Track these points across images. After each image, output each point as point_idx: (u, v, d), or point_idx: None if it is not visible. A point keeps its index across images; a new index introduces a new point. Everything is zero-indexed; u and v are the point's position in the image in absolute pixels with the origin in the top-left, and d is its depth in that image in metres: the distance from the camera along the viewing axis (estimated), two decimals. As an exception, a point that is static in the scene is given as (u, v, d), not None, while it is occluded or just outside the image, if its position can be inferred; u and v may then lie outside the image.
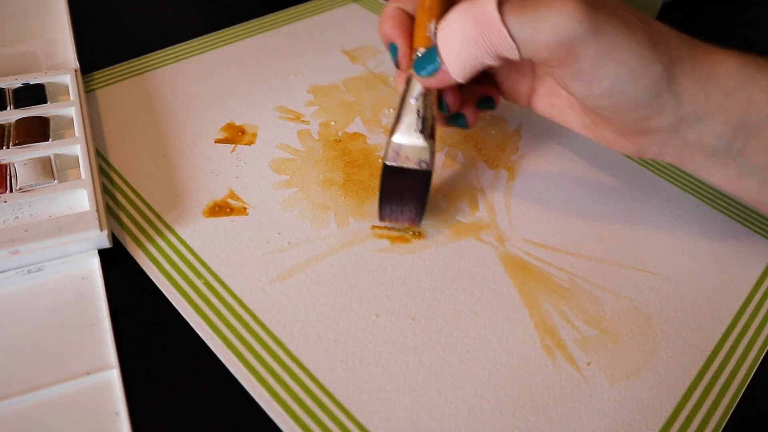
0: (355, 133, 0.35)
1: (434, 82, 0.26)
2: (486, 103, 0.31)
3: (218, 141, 0.33)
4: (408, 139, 0.26)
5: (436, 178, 0.32)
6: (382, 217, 0.29)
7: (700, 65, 0.24)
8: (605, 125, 0.27)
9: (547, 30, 0.23)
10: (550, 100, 0.30)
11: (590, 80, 0.24)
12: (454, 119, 0.30)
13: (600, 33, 0.23)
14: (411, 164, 0.26)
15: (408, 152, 0.26)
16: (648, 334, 0.26)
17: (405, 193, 0.27)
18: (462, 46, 0.24)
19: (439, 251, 0.28)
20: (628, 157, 0.35)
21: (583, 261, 0.29)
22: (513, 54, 0.24)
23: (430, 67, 0.26)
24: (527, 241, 0.29)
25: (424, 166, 0.26)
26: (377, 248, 0.28)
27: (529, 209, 0.31)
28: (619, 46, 0.23)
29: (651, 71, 0.23)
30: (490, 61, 0.25)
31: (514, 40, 0.23)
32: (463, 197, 0.31)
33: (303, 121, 0.35)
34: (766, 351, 0.26)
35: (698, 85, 0.24)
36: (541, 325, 0.26)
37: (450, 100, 0.29)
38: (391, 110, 0.37)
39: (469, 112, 0.30)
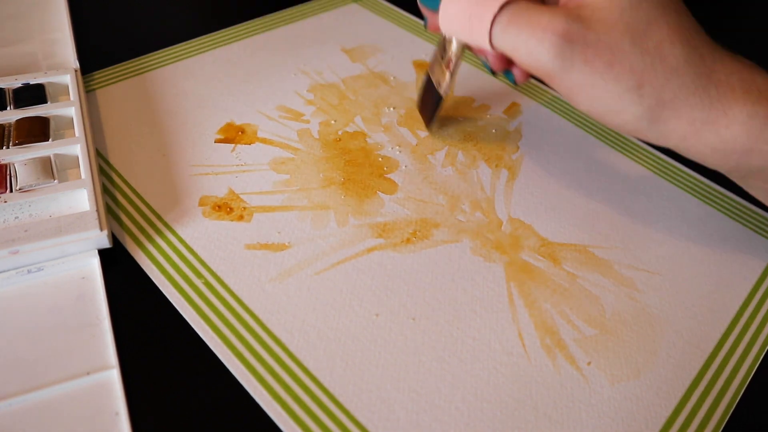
0: (355, 132, 0.35)
1: (430, 22, 0.29)
2: (509, 74, 0.31)
3: (218, 141, 0.33)
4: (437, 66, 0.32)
5: (437, 176, 0.32)
6: (419, 108, 0.36)
7: (702, 109, 0.23)
8: None
9: (524, 53, 0.24)
10: None
11: (570, 99, 0.25)
12: (504, 74, 0.31)
13: (572, 70, 0.23)
14: (434, 78, 0.33)
15: (436, 69, 0.32)
16: (648, 334, 0.26)
17: (426, 96, 0.35)
18: (453, 20, 0.26)
19: (439, 251, 0.28)
20: (628, 156, 0.35)
21: (583, 260, 0.29)
22: (490, 56, 0.27)
23: (431, 4, 0.28)
24: (527, 242, 0.29)
25: (440, 88, 0.32)
26: (377, 248, 0.28)
27: (529, 209, 0.31)
28: (594, 84, 0.23)
29: (629, 111, 0.24)
30: (472, 45, 0.27)
31: (493, 48, 0.25)
32: (463, 196, 0.31)
33: (303, 120, 0.35)
34: (766, 351, 0.26)
35: (689, 130, 0.24)
36: (541, 325, 0.26)
37: (491, 61, 0.29)
38: (392, 109, 0.37)
39: (516, 72, 0.30)
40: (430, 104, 0.34)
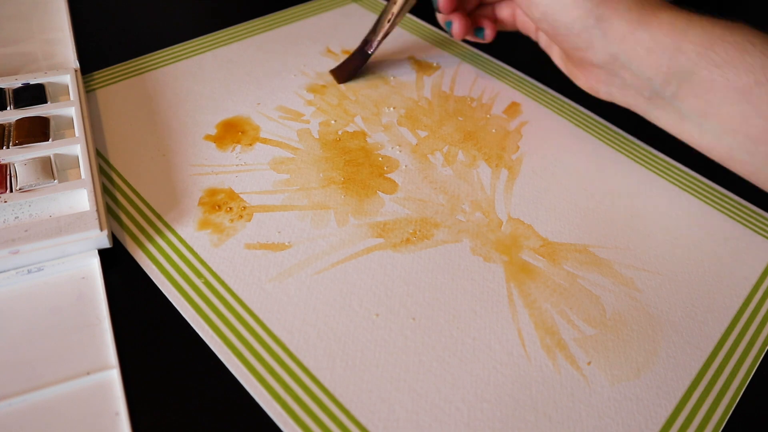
0: (355, 132, 0.35)
1: None
2: (480, 32, 0.37)
3: (218, 140, 0.33)
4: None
5: (437, 176, 0.32)
6: (332, 70, 0.39)
7: (636, 11, 0.27)
8: (559, 51, 0.34)
9: None
10: (525, 20, 0.37)
11: (529, 4, 0.30)
12: (476, 32, 0.38)
13: None
14: (368, 37, 0.38)
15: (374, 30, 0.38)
16: (648, 334, 0.26)
17: (354, 55, 0.39)
18: None
19: (439, 250, 0.28)
20: (628, 156, 0.35)
21: (584, 260, 0.29)
22: None
23: None
24: (527, 241, 0.29)
25: (370, 47, 0.37)
26: (377, 247, 0.28)
27: (529, 208, 0.31)
28: None
29: (580, 4, 0.28)
30: None
31: None
32: (463, 196, 0.31)
33: (303, 120, 0.35)
34: (766, 351, 0.26)
35: (628, 28, 0.27)
36: (541, 325, 0.26)
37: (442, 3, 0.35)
38: (392, 108, 0.37)
39: (456, 22, 0.36)
40: (355, 62, 0.38)
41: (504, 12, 0.38)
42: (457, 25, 0.36)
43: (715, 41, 0.26)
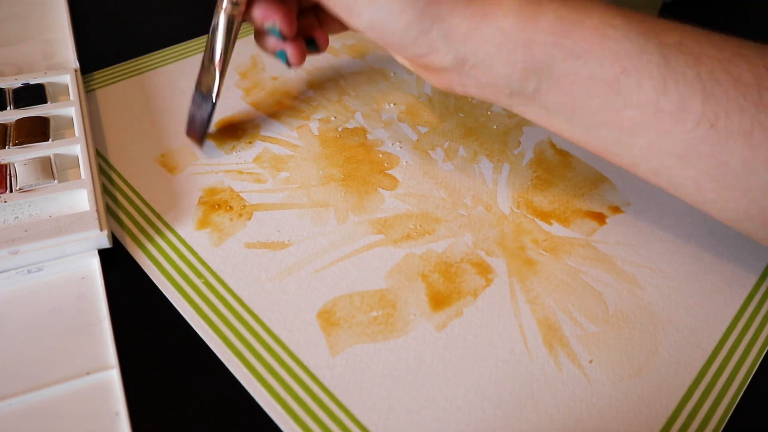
0: (355, 129, 0.35)
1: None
2: (312, 44, 0.31)
3: (217, 140, 0.33)
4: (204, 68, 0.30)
5: (438, 171, 0.32)
6: (187, 132, 0.33)
7: (476, 3, 0.23)
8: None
9: None
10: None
11: (351, 14, 0.24)
12: (307, 45, 0.31)
13: None
14: (204, 88, 0.30)
15: (204, 78, 0.30)
16: (650, 332, 0.26)
17: (196, 114, 0.32)
18: None
19: (440, 245, 0.28)
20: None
21: (586, 255, 0.28)
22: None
23: None
24: (530, 236, 0.29)
25: (212, 94, 0.30)
26: (377, 244, 0.28)
27: (531, 204, 0.31)
28: None
29: (410, 8, 0.23)
30: None
31: None
32: (464, 190, 0.31)
33: (302, 117, 0.35)
34: (766, 351, 0.26)
35: (470, 24, 0.23)
36: (544, 321, 0.26)
37: (281, 22, 0.28)
38: (392, 105, 0.37)
39: (316, 35, 0.30)
40: (202, 119, 0.31)
41: (326, 14, 0.30)
42: (292, 51, 0.29)
43: (571, 28, 0.23)
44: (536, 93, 0.24)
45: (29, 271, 0.25)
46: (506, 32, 0.23)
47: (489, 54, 0.24)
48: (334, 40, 0.42)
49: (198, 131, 0.32)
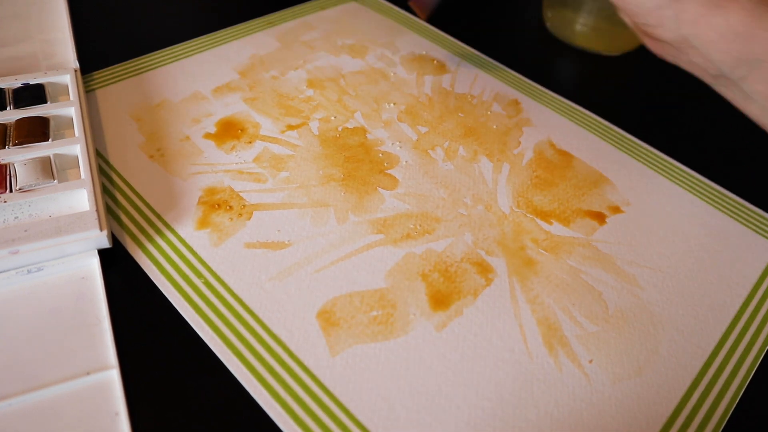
0: (355, 128, 0.35)
1: None
2: None
3: (217, 140, 0.33)
4: None
5: (438, 171, 0.32)
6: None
7: None
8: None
9: None
10: None
11: None
12: None
13: None
14: None
15: None
16: (650, 332, 0.26)
17: None
18: None
19: (440, 245, 0.28)
20: (628, 154, 0.35)
21: (587, 255, 0.28)
22: None
23: None
24: (530, 235, 0.29)
25: None
26: (377, 244, 0.28)
27: (531, 203, 0.31)
28: None
29: None
30: None
31: None
32: (465, 191, 0.31)
33: (302, 117, 0.35)
34: (766, 350, 0.26)
35: (701, 11, 0.26)
36: (544, 321, 0.26)
37: None
38: (392, 105, 0.37)
39: None
40: None
41: None
42: None
43: None
44: (742, 80, 0.27)
45: (29, 271, 0.25)
46: (732, 25, 0.26)
47: (710, 40, 0.26)
48: (332, 43, 0.42)
49: (428, 5, 0.33)
